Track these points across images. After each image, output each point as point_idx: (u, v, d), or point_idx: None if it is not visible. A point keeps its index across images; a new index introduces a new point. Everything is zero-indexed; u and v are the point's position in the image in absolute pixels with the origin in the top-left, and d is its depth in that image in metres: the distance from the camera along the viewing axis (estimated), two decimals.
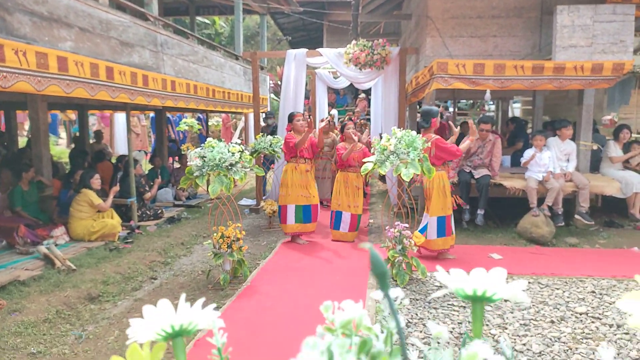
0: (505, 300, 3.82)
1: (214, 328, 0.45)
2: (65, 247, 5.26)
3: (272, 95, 14.27)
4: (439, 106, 11.71)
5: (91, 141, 9.69)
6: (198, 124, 11.36)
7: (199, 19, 17.23)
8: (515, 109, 13.57)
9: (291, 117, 5.77)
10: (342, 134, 6.15)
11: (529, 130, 8.86)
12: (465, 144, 5.08)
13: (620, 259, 4.89)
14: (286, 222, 5.60)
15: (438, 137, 5.01)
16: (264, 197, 7.61)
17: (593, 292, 4.00)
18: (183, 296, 0.48)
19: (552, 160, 5.85)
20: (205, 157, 4.23)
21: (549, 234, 5.46)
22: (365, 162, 4.80)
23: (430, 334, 2.43)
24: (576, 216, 5.89)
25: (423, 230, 4.96)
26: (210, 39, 18.39)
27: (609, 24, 5.92)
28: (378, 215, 7.06)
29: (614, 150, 6.42)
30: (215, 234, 4.29)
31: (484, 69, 5.92)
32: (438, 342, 0.46)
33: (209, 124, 13.16)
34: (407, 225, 4.32)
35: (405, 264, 4.26)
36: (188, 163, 4.40)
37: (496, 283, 0.42)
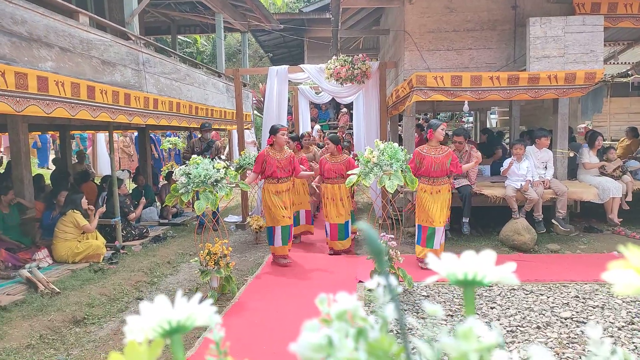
0: (492, 308, 3.88)
1: (212, 323, 0.47)
2: (48, 269, 5.17)
3: (255, 112, 14.32)
4: (419, 119, 11.91)
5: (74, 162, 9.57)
6: (182, 142, 11.32)
7: (181, 37, 17.28)
8: (493, 120, 13.87)
9: (275, 130, 5.33)
10: (324, 148, 6.18)
11: (507, 140, 9.06)
12: (468, 165, 5.33)
13: (601, 263, 4.97)
14: (274, 243, 5.32)
15: (450, 149, 5.18)
16: (250, 213, 7.59)
17: (577, 296, 4.08)
18: (179, 292, 0.50)
19: (530, 169, 5.99)
20: (191, 174, 4.24)
21: (531, 240, 5.57)
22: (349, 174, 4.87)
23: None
24: (553, 221, 6.03)
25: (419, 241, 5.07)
26: (192, 57, 18.44)
27: (580, 34, 6.15)
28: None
29: (588, 157, 6.60)
30: (201, 252, 4.27)
31: (461, 81, 6.08)
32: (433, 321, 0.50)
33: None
34: (392, 236, 4.37)
35: (392, 275, 4.29)
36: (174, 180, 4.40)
37: (486, 266, 0.46)
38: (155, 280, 5.09)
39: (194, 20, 12.10)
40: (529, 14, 6.48)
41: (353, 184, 4.87)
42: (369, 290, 4.38)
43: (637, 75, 10.47)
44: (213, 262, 4.21)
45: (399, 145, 4.92)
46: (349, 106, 11.03)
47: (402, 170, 4.69)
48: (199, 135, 7.75)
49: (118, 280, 4.91)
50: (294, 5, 20.35)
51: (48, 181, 8.23)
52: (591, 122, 12.36)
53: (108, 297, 4.50)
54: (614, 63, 10.28)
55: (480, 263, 0.46)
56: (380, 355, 0.39)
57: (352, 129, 10.21)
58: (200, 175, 4.19)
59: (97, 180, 8.43)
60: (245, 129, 10.11)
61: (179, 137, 12.82)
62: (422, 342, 0.44)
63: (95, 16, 5.97)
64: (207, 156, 5.35)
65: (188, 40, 20.59)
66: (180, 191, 4.27)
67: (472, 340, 0.38)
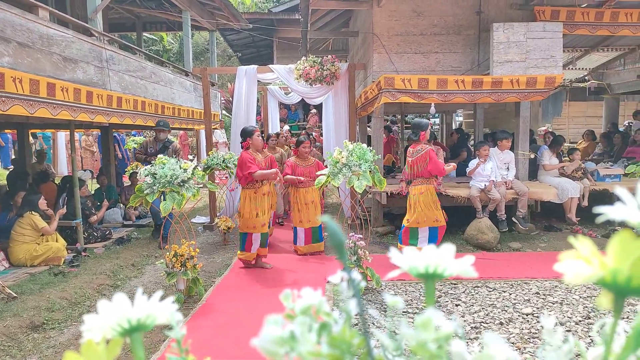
0: (457, 305, 3.97)
1: (173, 321, 0.47)
2: (4, 273, 4.94)
3: (224, 112, 14.15)
4: (387, 120, 12.07)
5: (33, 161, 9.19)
6: None
7: (146, 35, 16.89)
8: (458, 122, 14.21)
9: (250, 133, 5.02)
10: (296, 149, 5.99)
11: (472, 142, 9.30)
12: (450, 167, 5.31)
13: (559, 261, 5.20)
14: (251, 250, 5.06)
15: (431, 148, 5.12)
16: (218, 214, 7.49)
17: (537, 293, 4.23)
18: (139, 290, 0.49)
19: (493, 170, 6.17)
20: (156, 174, 4.15)
21: (494, 239, 5.74)
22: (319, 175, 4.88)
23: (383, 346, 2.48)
24: (513, 219, 6.24)
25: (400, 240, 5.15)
26: (159, 55, 18.05)
27: (540, 40, 6.38)
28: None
29: (548, 158, 6.85)
30: (168, 253, 4.18)
31: (428, 83, 6.20)
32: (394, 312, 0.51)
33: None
34: (361, 236, 4.41)
35: (360, 275, 4.33)
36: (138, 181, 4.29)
37: (446, 259, 0.47)
38: (119, 283, 4.96)
39: (160, 18, 11.85)
40: (493, 20, 6.67)
41: (322, 185, 4.88)
42: (335, 286, 4.41)
43: (593, 81, 10.96)
44: (180, 264, 4.13)
45: (368, 146, 4.97)
46: (319, 107, 11.06)
47: (370, 171, 4.75)
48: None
49: (79, 283, 4.75)
50: (263, 5, 20.24)
51: (4, 181, 7.87)
52: (551, 125, 12.85)
53: (69, 301, 4.35)
54: (572, 69, 10.73)
55: (441, 256, 0.47)
56: (343, 347, 0.39)
57: (321, 130, 10.24)
58: (166, 176, 4.11)
59: (58, 181, 8.13)
60: (214, 129, 9.99)
61: (144, 137, 12.51)
62: (383, 334, 0.45)
63: (56, 11, 5.76)
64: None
65: (154, 37, 20.14)
66: (145, 191, 4.17)
67: (431, 329, 0.39)
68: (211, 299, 4.25)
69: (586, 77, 11.07)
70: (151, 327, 0.45)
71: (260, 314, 3.08)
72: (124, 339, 0.44)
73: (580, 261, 0.41)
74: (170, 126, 8.82)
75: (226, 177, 7.92)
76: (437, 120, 13.78)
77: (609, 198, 6.83)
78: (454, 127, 11.76)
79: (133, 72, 7.21)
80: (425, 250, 0.48)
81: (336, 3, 7.59)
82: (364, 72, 8.16)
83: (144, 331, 0.45)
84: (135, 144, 10.52)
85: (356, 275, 0.48)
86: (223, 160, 6.40)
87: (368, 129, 9.80)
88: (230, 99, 11.84)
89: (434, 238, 5.07)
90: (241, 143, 5.13)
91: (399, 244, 5.22)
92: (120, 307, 0.43)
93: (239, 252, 5.20)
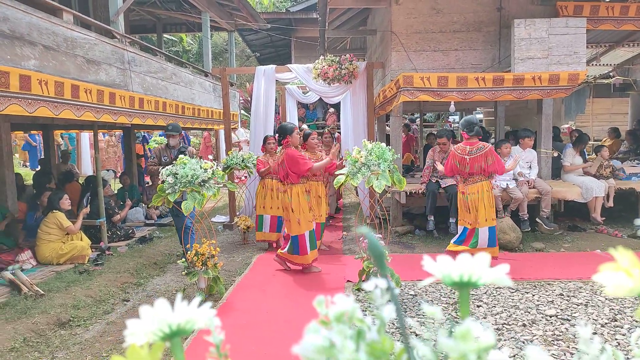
0: (478, 306, 3.92)
1: (211, 326, 0.47)
2: (32, 271, 5.08)
3: (243, 111, 14.26)
4: (406, 118, 11.99)
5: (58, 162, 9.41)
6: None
7: (166, 36, 17.12)
8: (478, 119, 14.02)
9: (291, 130, 4.96)
10: (304, 143, 5.84)
11: (492, 140, 9.16)
12: (510, 163, 5.17)
13: (584, 261, 5.09)
14: (307, 252, 4.90)
15: (491, 145, 5.01)
16: (238, 213, 7.55)
17: (561, 294, 4.15)
18: (179, 295, 0.50)
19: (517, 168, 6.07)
20: (177, 174, 4.20)
21: (516, 239, 5.65)
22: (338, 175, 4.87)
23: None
24: (537, 220, 6.12)
25: (459, 241, 5.02)
26: (178, 56, 18.30)
27: (563, 36, 6.25)
28: (352, 227, 7.12)
29: (571, 158, 6.69)
30: (189, 252, 4.24)
31: (447, 81, 6.14)
32: (433, 322, 0.51)
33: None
34: (380, 235, 4.39)
35: (380, 275, 4.31)
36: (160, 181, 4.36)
37: (480, 268, 0.47)
38: (142, 281, 5.04)
39: (180, 19, 12.00)
40: (514, 16, 6.57)
41: (341, 184, 4.88)
42: (358, 289, 4.40)
43: (618, 77, 10.68)
44: (200, 263, 4.18)
45: (387, 145, 4.94)
46: (337, 106, 11.05)
47: (389, 170, 4.72)
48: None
49: (104, 281, 4.85)
50: (281, 4, 20.31)
51: (30, 181, 8.08)
52: (574, 123, 12.57)
53: (94, 299, 4.44)
54: (596, 65, 10.48)
55: (475, 265, 0.47)
56: (381, 356, 0.40)
57: (339, 129, 10.23)
58: (187, 176, 4.16)
59: (82, 180, 8.31)
60: (234, 128, 10.07)
61: (162, 135, 12.70)
62: (421, 343, 0.45)
63: (80, 14, 5.89)
64: None
65: (174, 39, 20.41)
66: (167, 191, 4.23)
67: (470, 341, 0.39)
68: (232, 298, 4.29)
69: (611, 73, 10.80)
70: (190, 332, 0.46)
71: (281, 313, 3.10)
72: (165, 343, 0.45)
73: (621, 273, 0.40)
74: (191, 126, 8.91)
75: (245, 177, 7.96)
76: (457, 118, 13.63)
77: (635, 197, 6.66)
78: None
79: (154, 73, 7.32)
80: (460, 258, 0.48)
81: (354, 1, 7.57)
82: (382, 71, 8.12)
83: (184, 336, 0.46)
84: (156, 143, 10.68)
85: (392, 284, 0.48)
86: (242, 160, 6.45)
87: (387, 127, 9.75)
88: (249, 98, 11.93)
89: (492, 238, 4.91)
90: (280, 141, 5.04)
91: (455, 246, 5.03)
92: (161, 312, 0.44)
93: (291, 257, 4.96)
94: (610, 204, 6.45)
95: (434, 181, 6.34)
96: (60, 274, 5.07)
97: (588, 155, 7.46)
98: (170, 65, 8.16)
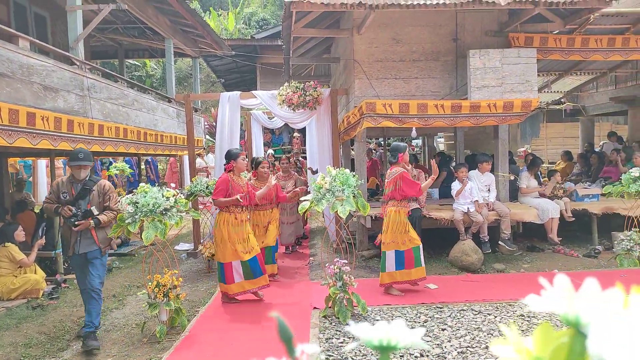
0: (443, 330, 3.97)
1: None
2: None
3: (207, 137, 14.15)
4: (370, 143, 12.20)
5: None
6: (129, 168, 10.94)
7: (129, 61, 16.93)
8: (440, 144, 14.45)
9: (235, 155, 4.92)
10: (254, 171, 5.84)
11: (453, 164, 9.44)
12: (426, 182, 5.24)
13: (543, 282, 5.24)
14: (233, 281, 4.83)
15: (404, 170, 5.05)
16: (202, 241, 7.41)
17: (522, 315, 4.26)
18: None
19: (475, 192, 6.27)
20: (138, 202, 4.11)
21: (478, 261, 5.79)
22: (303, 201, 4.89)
23: None
24: (500, 242, 6.31)
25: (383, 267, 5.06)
26: (141, 81, 18.08)
27: (515, 65, 6.58)
28: (319, 253, 7.10)
29: (526, 180, 6.98)
30: (150, 283, 4.11)
31: (408, 108, 6.32)
32: None
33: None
34: (346, 261, 4.40)
35: (346, 300, 4.31)
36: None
37: (398, 333, 0.51)
38: (100, 315, 4.83)
39: (143, 45, 11.91)
40: (469, 46, 6.88)
41: (306, 210, 4.89)
42: (324, 316, 4.37)
43: (568, 103, 11.30)
44: (162, 294, 4.06)
45: (351, 170, 5.01)
46: (303, 130, 11.15)
47: (354, 196, 4.77)
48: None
49: (59, 316, 4.62)
50: (246, 31, 20.54)
51: None
52: (530, 146, 13.14)
53: (47, 336, 4.22)
54: (547, 92, 11.06)
55: (393, 330, 0.51)
56: None
57: (305, 154, 10.29)
58: (148, 204, 4.07)
59: (37, 209, 7.97)
60: (198, 154, 9.96)
61: (128, 162, 12.35)
62: None
63: (37, 41, 5.77)
64: (75, 211, 3.99)
65: (137, 63, 20.19)
66: (126, 221, 4.12)
67: None
68: (195, 330, 4.17)
69: (562, 100, 11.41)
70: None
71: (246, 344, 3.03)
72: None
73: (509, 347, 0.44)
74: (154, 152, 8.74)
75: (210, 203, 7.84)
76: (420, 142, 13.99)
77: (589, 217, 6.97)
78: (437, 150, 11.95)
79: (115, 99, 7.20)
80: (378, 325, 0.51)
81: (317, 31, 7.75)
82: (346, 97, 8.29)
83: None
84: (117, 170, 10.39)
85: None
86: (207, 187, 6.38)
87: (352, 152, 9.89)
88: (214, 123, 11.87)
89: (400, 261, 4.99)
90: (224, 165, 5.03)
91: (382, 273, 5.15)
92: None
93: (220, 284, 4.96)
94: (570, 214, 6.71)
95: None
96: (11, 309, 4.80)
97: (542, 177, 7.78)
98: (132, 92, 8.06)
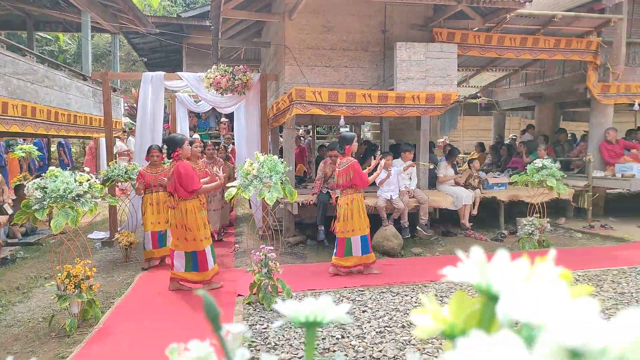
0: (364, 311, 4.11)
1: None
2: None
3: (128, 119, 13.38)
4: (298, 130, 12.23)
5: None
6: (38, 150, 10.08)
7: (40, 34, 15.45)
8: (367, 133, 14.86)
9: (180, 142, 4.67)
10: (147, 155, 5.93)
11: (379, 153, 9.74)
12: (374, 175, 5.34)
13: (454, 263, 5.60)
14: (207, 268, 4.79)
15: (355, 160, 5.17)
16: (119, 229, 7.02)
17: (435, 295, 4.53)
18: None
19: (398, 179, 6.53)
20: (47, 188, 3.80)
21: (398, 246, 6.06)
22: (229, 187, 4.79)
23: (296, 354, 2.50)
24: (418, 228, 6.65)
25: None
26: (53, 57, 16.61)
27: (438, 60, 6.89)
28: (244, 240, 7.04)
29: (444, 170, 7.40)
30: (59, 274, 3.84)
31: (337, 96, 6.40)
32: None
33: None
34: (272, 247, 4.40)
35: (271, 287, 4.32)
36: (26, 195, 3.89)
37: (324, 308, 0.52)
38: (0, 310, 4.43)
39: (56, 17, 10.93)
40: (396, 39, 7.08)
41: (232, 197, 4.80)
42: (249, 303, 4.35)
43: (484, 98, 12.07)
44: (73, 286, 3.80)
45: (280, 157, 5.00)
46: (230, 116, 10.90)
47: (281, 182, 4.77)
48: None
49: None
50: (172, 9, 19.56)
51: None
52: (448, 137, 13.91)
53: None
54: (465, 86, 11.72)
55: (319, 305, 0.51)
56: None
57: (233, 139, 10.09)
58: (58, 190, 3.78)
59: None
60: (117, 136, 9.38)
61: (37, 144, 11.32)
62: None
63: None
64: None
65: (49, 37, 18.49)
66: (33, 207, 3.79)
67: None
68: (109, 322, 3.96)
69: (478, 94, 12.17)
70: None
71: (164, 337, 2.94)
72: None
73: (427, 316, 0.47)
74: (66, 134, 8.12)
75: (129, 190, 7.44)
76: (348, 131, 14.25)
77: (497, 204, 7.55)
78: (363, 139, 12.25)
79: (22, 75, 6.56)
80: (306, 301, 0.52)
81: (247, 13, 7.56)
82: (276, 83, 8.21)
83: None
84: (23, 152, 9.51)
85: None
86: (125, 172, 6.04)
87: (280, 139, 9.85)
88: (135, 105, 11.23)
89: (366, 246, 5.16)
90: (170, 153, 4.78)
91: (334, 257, 5.25)
92: None
93: (189, 275, 4.71)
94: (475, 211, 7.23)
95: (324, 192, 6.55)
96: None
97: (459, 167, 8.28)
98: (43, 67, 7.39)
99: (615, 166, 8.11)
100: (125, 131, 11.81)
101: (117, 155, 9.93)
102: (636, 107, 8.47)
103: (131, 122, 13.21)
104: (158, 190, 5.72)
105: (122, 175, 6.04)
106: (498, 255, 0.46)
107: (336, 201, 5.37)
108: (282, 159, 5.03)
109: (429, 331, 0.46)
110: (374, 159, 5.50)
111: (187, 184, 4.61)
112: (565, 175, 6.70)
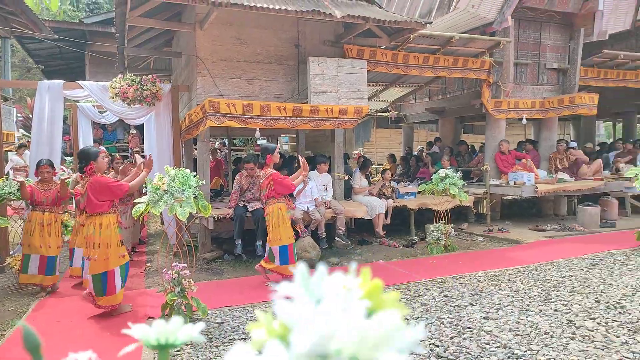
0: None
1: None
2: None
3: (22, 131, 12.19)
4: (214, 142, 11.97)
5: None
6: None
7: None
8: (284, 145, 14.96)
9: (95, 155, 4.43)
10: (37, 170, 5.43)
11: (295, 164, 9.84)
12: (298, 179, 5.34)
13: (370, 271, 5.82)
14: (115, 291, 4.42)
15: (274, 171, 5.18)
16: (11, 252, 6.33)
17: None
18: None
19: (314, 191, 6.64)
20: None
21: (316, 256, 6.14)
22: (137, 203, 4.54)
23: None
24: (336, 238, 6.80)
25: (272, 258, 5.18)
26: None
27: (349, 75, 7.16)
28: (156, 258, 6.70)
29: (359, 181, 7.69)
30: None
31: (252, 109, 6.39)
32: None
33: None
34: (185, 265, 4.24)
35: (185, 306, 4.15)
36: None
37: (174, 330, 0.51)
38: None
39: None
40: (309, 53, 7.25)
41: (141, 214, 4.56)
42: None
43: (393, 111, 12.74)
44: None
45: (194, 170, 4.85)
46: (140, 127, 10.37)
47: (194, 197, 4.62)
48: None
49: None
50: (74, 14, 18.28)
51: None
52: (362, 149, 14.45)
53: None
54: (376, 100, 12.29)
55: (170, 328, 0.51)
56: None
57: (144, 152, 9.59)
58: None
59: None
60: (9, 150, 8.47)
61: None
62: None
63: None
64: None
65: None
66: None
67: None
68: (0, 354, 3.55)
69: (388, 108, 12.82)
70: None
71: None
72: None
73: (262, 330, 0.52)
74: None
75: (23, 209, 6.73)
76: (265, 143, 14.22)
77: (408, 213, 7.96)
78: (280, 151, 12.30)
79: None
80: (155, 324, 0.52)
81: (156, 22, 7.29)
82: (189, 94, 7.99)
83: None
84: None
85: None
86: (18, 190, 5.48)
87: (195, 151, 9.56)
88: (30, 115, 10.27)
89: (285, 257, 5.15)
90: (83, 168, 4.44)
91: (278, 266, 5.17)
92: None
93: (99, 299, 4.35)
94: (388, 220, 7.58)
95: (241, 205, 6.46)
96: None
97: (373, 177, 8.63)
98: None
99: (508, 175, 8.96)
100: (25, 145, 10.74)
101: (11, 171, 8.99)
102: (524, 121, 9.46)
103: (26, 134, 12.05)
104: (51, 210, 5.29)
105: (14, 193, 5.47)
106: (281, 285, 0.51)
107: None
108: (196, 173, 4.89)
109: (260, 344, 0.50)
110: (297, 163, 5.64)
111: (114, 192, 4.42)
112: (466, 184, 7.28)
